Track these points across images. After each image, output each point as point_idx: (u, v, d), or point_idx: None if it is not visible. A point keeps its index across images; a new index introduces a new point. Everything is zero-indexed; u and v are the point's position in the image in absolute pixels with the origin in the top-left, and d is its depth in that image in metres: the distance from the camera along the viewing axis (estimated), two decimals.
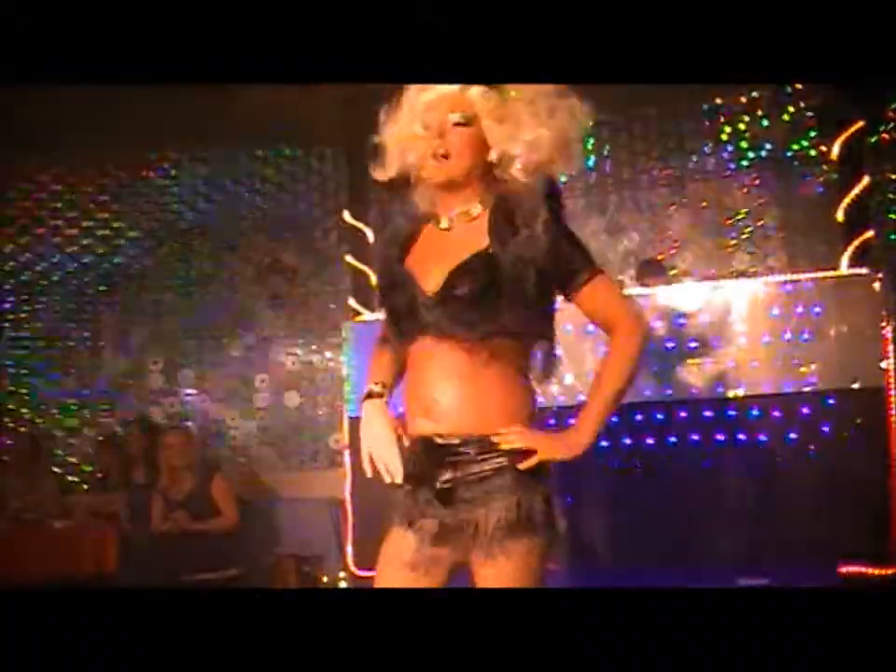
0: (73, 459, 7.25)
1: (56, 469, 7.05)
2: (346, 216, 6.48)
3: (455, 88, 2.12)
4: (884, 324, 4.52)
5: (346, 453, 5.29)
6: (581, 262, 2.10)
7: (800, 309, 4.61)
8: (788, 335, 4.61)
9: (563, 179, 6.78)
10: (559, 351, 2.18)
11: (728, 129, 6.96)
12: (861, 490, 4.34)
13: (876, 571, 4.27)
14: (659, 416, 4.68)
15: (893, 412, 4.42)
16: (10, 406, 7.21)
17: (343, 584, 5.78)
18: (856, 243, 5.56)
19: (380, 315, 2.27)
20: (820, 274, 4.78)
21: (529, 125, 2.10)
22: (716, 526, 4.53)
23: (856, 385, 4.48)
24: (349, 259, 6.46)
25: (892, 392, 4.43)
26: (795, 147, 6.82)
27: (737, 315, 4.66)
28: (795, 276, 4.80)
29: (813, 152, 6.70)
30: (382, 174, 2.23)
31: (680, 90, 6.36)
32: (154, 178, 7.52)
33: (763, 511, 4.49)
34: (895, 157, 6.15)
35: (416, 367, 2.13)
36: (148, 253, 7.49)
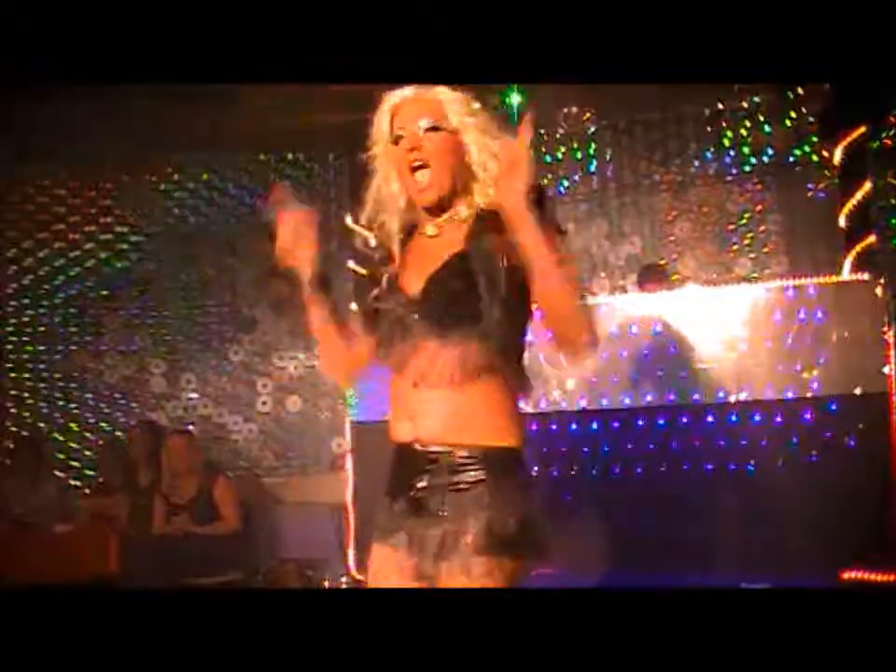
0: (75, 463, 7.24)
1: (58, 473, 7.05)
2: (348, 220, 6.49)
3: (419, 92, 2.07)
4: (886, 329, 4.52)
5: (348, 457, 5.29)
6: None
7: (802, 314, 4.60)
8: (790, 340, 4.60)
9: (565, 183, 6.76)
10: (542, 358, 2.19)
11: (730, 134, 6.96)
12: (863, 496, 4.33)
13: (879, 577, 4.27)
14: (661, 422, 4.67)
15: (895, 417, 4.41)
16: (12, 409, 7.21)
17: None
18: (858, 248, 5.56)
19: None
20: (822, 280, 4.77)
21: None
22: (717, 532, 4.52)
23: (858, 391, 4.47)
24: (351, 263, 6.47)
25: (895, 397, 4.43)
26: (797, 152, 6.82)
27: (739, 321, 4.66)
28: (797, 282, 4.79)
29: (815, 157, 6.70)
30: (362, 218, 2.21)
31: (682, 95, 6.38)
32: (156, 182, 7.53)
33: (764, 516, 4.48)
34: None
35: (403, 371, 2.06)
36: (150, 257, 7.49)
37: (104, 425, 7.34)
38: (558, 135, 7.18)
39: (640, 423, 4.68)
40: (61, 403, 7.32)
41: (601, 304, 4.88)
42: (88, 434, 7.31)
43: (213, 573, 5.38)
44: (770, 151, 6.92)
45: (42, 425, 7.24)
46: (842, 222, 5.72)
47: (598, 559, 4.48)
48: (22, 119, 5.95)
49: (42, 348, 7.35)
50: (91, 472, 7.10)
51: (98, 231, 7.44)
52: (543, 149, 7.21)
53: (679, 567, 4.36)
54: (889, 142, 6.12)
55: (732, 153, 6.99)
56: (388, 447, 2.13)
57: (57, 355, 7.37)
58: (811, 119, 6.68)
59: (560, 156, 7.25)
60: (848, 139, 5.75)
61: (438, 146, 2.05)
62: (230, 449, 7.35)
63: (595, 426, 4.66)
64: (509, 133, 2.06)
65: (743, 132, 6.96)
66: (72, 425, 7.31)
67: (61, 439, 7.25)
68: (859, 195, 5.66)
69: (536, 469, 4.63)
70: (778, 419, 4.59)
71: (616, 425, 4.66)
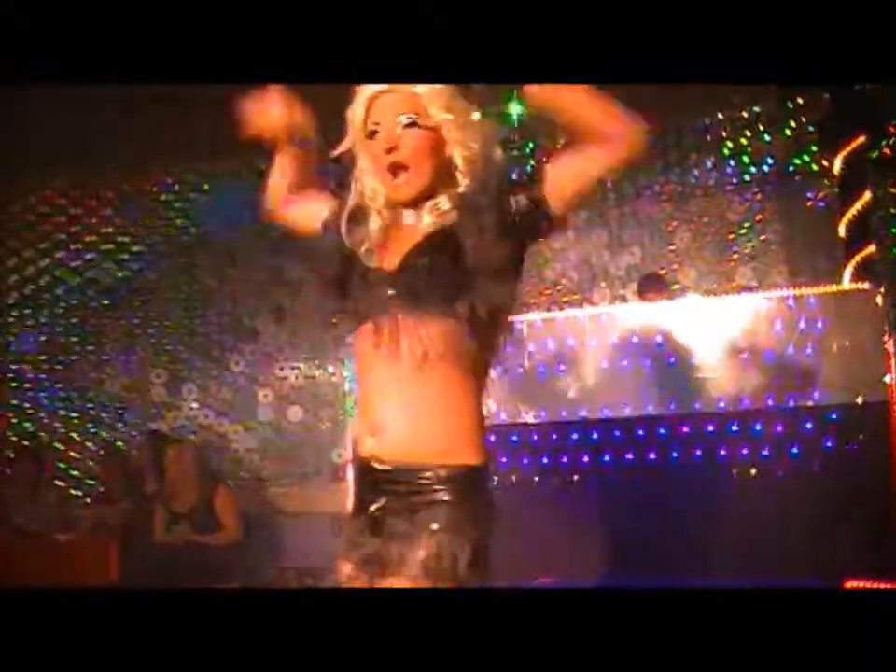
0: (76, 472, 7.25)
1: (59, 483, 7.05)
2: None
3: (396, 84, 1.97)
4: (887, 338, 4.52)
5: (349, 467, 5.28)
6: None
7: (802, 324, 4.60)
8: (790, 350, 4.60)
9: None
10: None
11: (730, 144, 6.97)
12: (864, 505, 4.33)
13: (882, 586, 4.26)
14: (661, 431, 4.67)
15: None
16: (13, 419, 7.22)
17: None
18: (858, 257, 5.56)
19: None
20: (823, 289, 4.77)
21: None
22: (718, 541, 4.52)
23: (859, 400, 4.47)
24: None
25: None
26: (797, 161, 6.83)
27: (740, 330, 4.66)
28: (797, 291, 4.79)
29: (815, 167, 6.71)
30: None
31: (682, 104, 6.39)
32: (157, 192, 7.55)
33: (766, 526, 4.48)
34: None
35: (366, 377, 2.00)
36: (151, 267, 7.51)
37: (104, 434, 7.35)
38: (559, 146, 7.19)
39: (641, 432, 4.68)
40: (61, 413, 7.34)
41: (601, 315, 4.89)
42: (88, 444, 7.31)
43: (213, 582, 5.38)
44: (770, 161, 6.93)
45: (43, 434, 7.25)
46: (842, 232, 5.72)
47: (599, 567, 4.48)
48: (24, 130, 5.97)
49: (43, 358, 7.35)
50: (92, 482, 7.10)
51: (99, 241, 7.46)
52: (545, 159, 7.22)
53: (680, 576, 4.36)
54: (888, 151, 6.14)
55: (732, 163, 7.00)
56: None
57: (58, 364, 7.38)
58: (811, 128, 6.69)
59: None
60: (848, 149, 5.75)
61: (416, 144, 1.96)
62: (230, 458, 7.34)
63: (595, 435, 4.66)
64: (490, 126, 2.06)
65: (743, 141, 6.96)
66: (73, 434, 7.32)
67: (61, 448, 7.26)
68: (858, 205, 5.66)
69: (536, 479, 4.66)
70: (779, 428, 4.59)
71: (617, 434, 4.65)
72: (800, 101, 6.67)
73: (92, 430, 7.35)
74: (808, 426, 4.54)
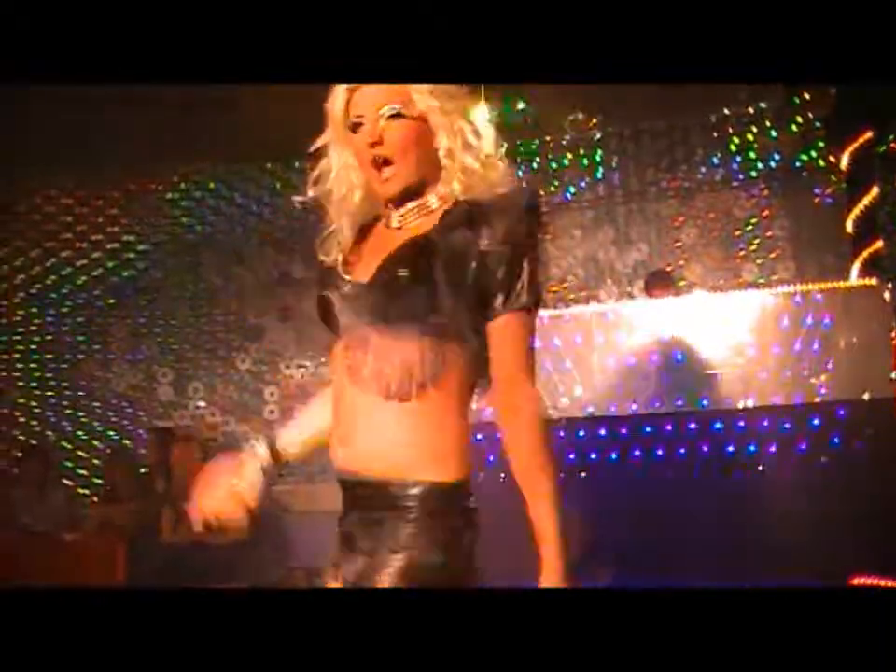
0: (82, 472, 7.26)
1: (65, 482, 7.06)
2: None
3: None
4: (894, 334, 4.51)
5: None
6: (519, 289, 1.79)
7: (809, 320, 4.59)
8: (797, 346, 4.59)
9: (572, 190, 6.74)
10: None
11: (737, 140, 6.97)
12: (871, 501, 4.32)
13: (889, 583, 4.25)
14: (668, 428, 4.66)
15: None
16: (20, 419, 7.23)
17: None
18: (865, 253, 5.55)
19: None
20: (830, 285, 4.76)
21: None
22: (725, 538, 4.51)
23: (866, 396, 4.46)
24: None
25: None
26: (804, 157, 6.82)
27: (746, 327, 4.64)
28: (805, 287, 4.78)
29: (821, 162, 6.70)
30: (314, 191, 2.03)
31: (689, 101, 6.38)
32: (162, 191, 7.55)
33: (773, 522, 4.47)
34: None
35: (337, 390, 1.90)
36: (157, 266, 7.52)
37: (111, 433, 7.36)
38: (564, 142, 7.19)
39: (648, 429, 4.67)
40: (68, 412, 7.35)
41: (608, 311, 4.87)
42: (95, 443, 7.32)
43: (221, 582, 5.38)
44: (777, 157, 6.92)
45: (50, 433, 7.26)
46: (849, 227, 5.71)
47: (605, 565, 4.47)
48: (28, 130, 5.97)
49: (49, 357, 7.37)
50: (99, 481, 7.11)
51: (105, 241, 7.47)
52: (549, 156, 7.22)
53: (687, 573, 4.35)
54: (895, 146, 6.12)
55: (738, 159, 6.99)
56: None
57: (64, 364, 7.39)
58: (817, 123, 6.68)
59: (566, 163, 7.26)
60: (855, 144, 5.74)
61: (402, 136, 1.84)
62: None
63: (602, 432, 4.65)
64: (481, 114, 1.97)
65: (749, 137, 6.96)
66: (79, 433, 7.34)
67: (68, 447, 7.28)
68: (866, 200, 5.64)
69: None
70: (787, 425, 4.58)
71: (624, 431, 4.64)
72: (806, 96, 6.66)
73: (99, 429, 7.36)
74: (816, 422, 4.52)
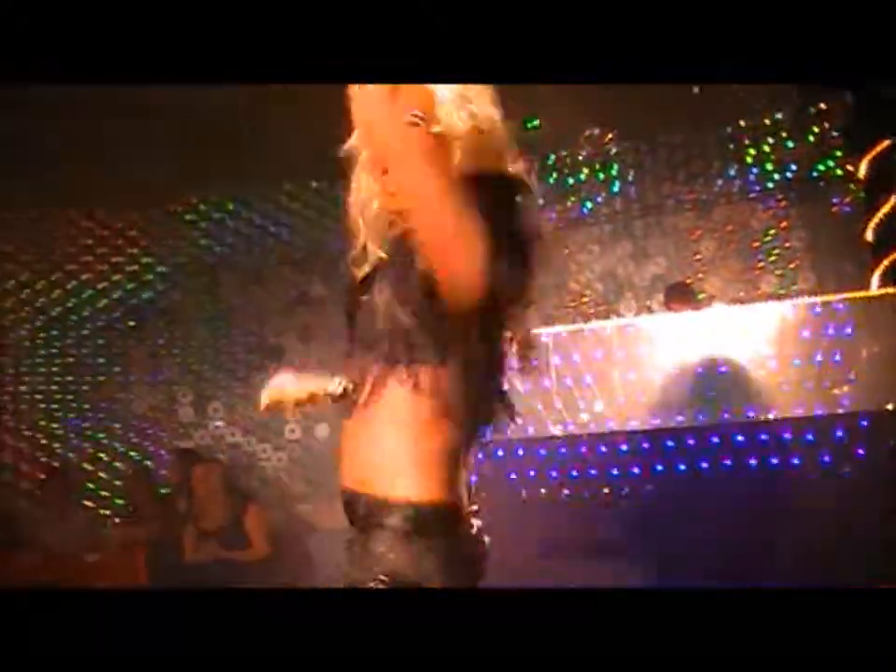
0: (104, 493, 7.28)
1: (87, 503, 7.09)
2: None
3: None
4: None
5: None
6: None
7: (830, 330, 4.56)
8: (819, 357, 4.56)
9: (588, 205, 6.73)
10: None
11: (753, 151, 6.95)
12: None
13: None
14: (690, 442, 4.64)
15: None
16: (42, 440, 7.26)
17: None
18: (886, 262, 5.52)
19: None
20: (850, 295, 4.73)
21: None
22: (749, 551, 4.48)
23: (890, 406, 4.42)
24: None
25: None
26: (821, 167, 6.80)
27: (767, 339, 4.62)
28: (825, 298, 4.75)
29: (839, 172, 6.68)
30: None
31: (704, 113, 6.39)
32: (181, 213, 7.60)
33: (797, 535, 4.44)
34: None
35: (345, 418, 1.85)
36: (177, 288, 7.55)
37: (132, 454, 7.38)
38: (580, 157, 7.20)
39: (670, 443, 4.65)
40: (89, 434, 7.37)
41: (628, 326, 4.86)
42: (116, 464, 7.35)
43: None
44: (793, 167, 6.90)
45: (71, 455, 7.29)
46: (869, 236, 5.68)
47: (631, 578, 4.45)
48: (47, 154, 6.02)
49: (70, 379, 7.40)
50: (121, 502, 7.13)
51: (124, 263, 7.51)
52: (566, 171, 7.23)
53: (710, 583, 4.32)
54: None
55: (755, 170, 6.98)
56: None
57: (85, 385, 7.42)
58: (834, 133, 6.66)
59: (583, 178, 7.26)
60: (873, 152, 5.72)
61: (417, 146, 1.65)
62: (259, 477, 7.37)
63: (624, 447, 4.63)
64: (504, 139, 1.84)
65: (766, 148, 6.94)
66: (101, 455, 7.35)
67: (90, 468, 7.29)
68: (885, 208, 5.62)
69: (566, 491, 4.63)
70: (809, 437, 4.55)
71: (646, 446, 4.63)
72: (822, 106, 6.65)
73: (120, 450, 7.38)
74: (839, 433, 4.49)
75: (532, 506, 4.58)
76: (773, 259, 6.91)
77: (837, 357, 4.54)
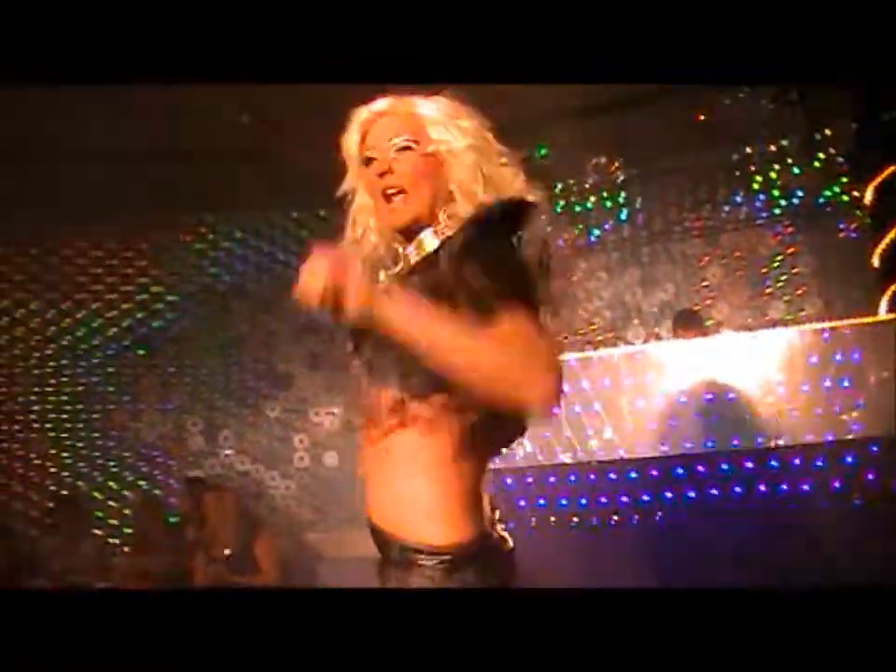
0: (113, 521, 7.28)
1: (96, 531, 7.08)
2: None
3: (392, 105, 1.83)
4: None
5: None
6: (490, 291, 1.58)
7: (839, 356, 4.56)
8: (828, 383, 4.56)
9: (596, 232, 6.73)
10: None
11: (759, 178, 6.97)
12: None
13: None
14: (700, 469, 4.63)
15: None
16: (52, 469, 7.27)
17: None
18: (893, 287, 5.51)
19: None
20: (858, 321, 4.74)
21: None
22: (759, 579, 4.46)
23: None
24: None
25: None
26: (828, 193, 6.81)
27: (775, 365, 4.62)
28: (833, 323, 4.76)
29: (846, 198, 6.69)
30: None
31: (710, 140, 6.42)
32: (190, 242, 7.63)
33: (810, 562, 4.42)
34: None
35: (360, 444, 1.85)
36: (186, 316, 7.57)
37: (142, 483, 7.38)
38: (588, 185, 7.23)
39: (679, 471, 4.64)
40: (99, 462, 7.37)
41: (636, 353, 4.87)
42: (126, 492, 7.34)
43: None
44: (800, 193, 6.91)
45: (81, 484, 7.29)
46: (875, 262, 5.68)
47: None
48: (58, 183, 6.07)
49: (80, 408, 7.41)
50: (130, 530, 7.12)
51: (134, 292, 7.54)
52: (574, 199, 7.25)
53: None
54: None
55: (762, 197, 6.99)
56: None
57: (95, 414, 7.43)
58: (840, 159, 6.68)
59: (590, 205, 7.29)
60: (879, 178, 5.73)
61: (413, 167, 1.78)
62: (268, 505, 7.36)
63: (633, 475, 4.63)
64: (496, 152, 1.84)
65: (772, 175, 6.96)
66: (110, 483, 7.35)
67: (99, 497, 7.29)
68: (891, 234, 5.62)
69: (576, 519, 4.62)
70: (819, 463, 4.54)
71: (655, 473, 4.62)
72: (828, 132, 6.66)
73: (130, 479, 7.38)
74: (849, 459, 4.48)
75: (542, 533, 4.58)
76: (780, 284, 6.91)
77: (846, 383, 4.53)
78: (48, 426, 7.34)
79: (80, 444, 7.37)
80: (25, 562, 6.19)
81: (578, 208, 7.27)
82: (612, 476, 4.64)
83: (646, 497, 4.53)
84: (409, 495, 1.72)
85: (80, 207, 6.59)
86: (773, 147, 6.90)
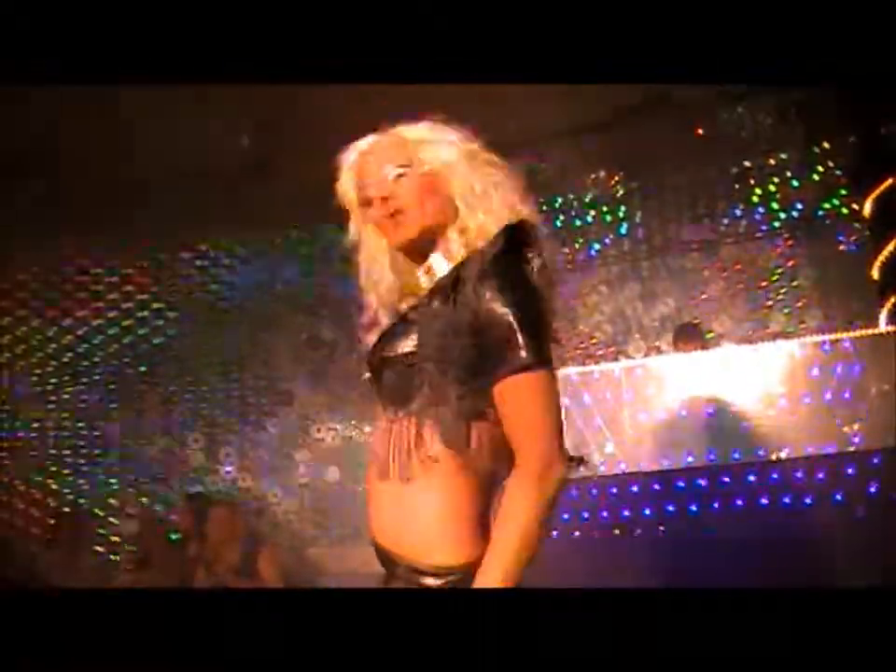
0: (114, 538, 7.27)
1: (98, 548, 7.07)
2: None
3: (378, 140, 1.84)
4: None
5: None
6: (515, 346, 1.63)
7: (839, 368, 4.57)
8: (828, 395, 4.56)
9: (596, 247, 6.75)
10: None
11: (759, 191, 6.97)
12: None
13: None
14: (702, 483, 4.63)
15: None
16: (53, 485, 7.26)
17: None
18: (893, 299, 5.53)
19: None
20: (859, 333, 4.74)
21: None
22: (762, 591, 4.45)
23: None
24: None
25: None
26: (826, 206, 6.82)
27: (777, 378, 4.63)
28: (833, 336, 4.77)
29: (844, 210, 6.70)
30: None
31: (709, 154, 6.43)
32: (191, 259, 7.65)
33: (812, 574, 4.42)
34: None
35: (370, 465, 1.85)
36: (188, 333, 7.58)
37: (143, 500, 7.37)
38: (587, 199, 7.24)
39: (681, 484, 4.64)
40: (100, 478, 7.36)
41: (637, 367, 4.88)
42: (127, 509, 7.33)
43: None
44: (799, 206, 6.92)
45: (82, 501, 7.28)
46: (875, 274, 5.69)
47: None
48: (60, 200, 6.09)
49: (82, 424, 7.41)
50: (131, 547, 7.11)
51: (135, 309, 7.55)
52: (574, 214, 7.27)
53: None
54: None
55: (761, 210, 7.00)
56: None
57: (96, 430, 7.43)
58: (838, 172, 6.69)
59: (590, 220, 7.30)
60: (878, 191, 5.74)
61: (412, 187, 1.78)
62: (269, 521, 7.34)
63: (635, 488, 4.63)
64: (490, 161, 1.85)
65: (771, 188, 6.97)
66: (111, 500, 7.34)
67: (101, 514, 7.28)
68: (890, 246, 5.63)
69: (577, 534, 4.62)
70: (821, 475, 4.54)
71: (657, 487, 4.62)
72: (826, 145, 6.68)
73: (131, 496, 7.37)
74: (850, 471, 4.48)
75: (543, 548, 4.57)
76: (780, 297, 6.91)
77: (847, 395, 4.54)
78: (48, 442, 7.34)
79: (81, 461, 7.36)
80: (26, 578, 6.17)
81: (578, 222, 7.28)
82: (614, 490, 4.64)
83: (648, 511, 4.53)
84: (419, 520, 1.72)
85: (80, 224, 6.60)
86: (772, 161, 6.91)
